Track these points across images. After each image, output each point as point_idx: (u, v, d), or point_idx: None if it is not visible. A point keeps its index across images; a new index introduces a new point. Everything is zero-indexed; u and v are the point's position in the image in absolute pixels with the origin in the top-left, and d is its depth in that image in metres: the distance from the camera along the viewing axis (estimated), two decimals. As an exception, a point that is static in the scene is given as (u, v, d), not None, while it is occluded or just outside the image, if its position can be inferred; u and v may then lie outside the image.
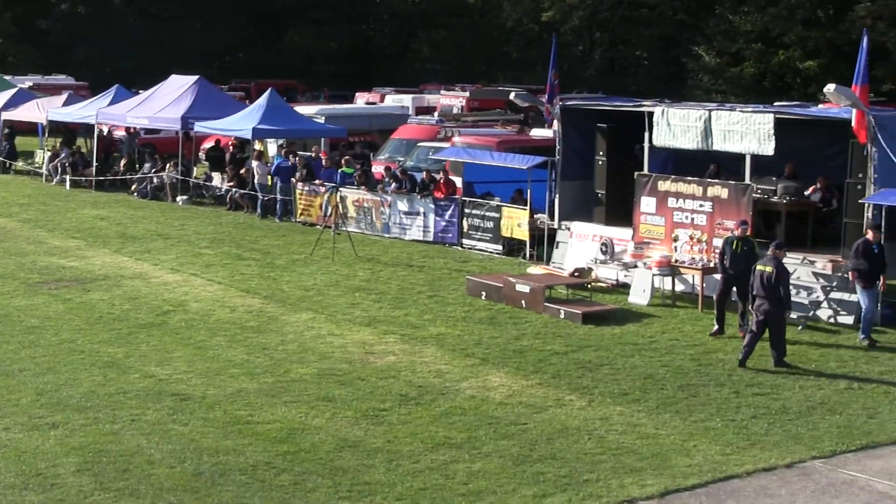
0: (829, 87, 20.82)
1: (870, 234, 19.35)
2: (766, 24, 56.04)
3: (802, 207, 23.06)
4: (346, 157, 33.29)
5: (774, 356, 18.02)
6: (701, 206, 22.99)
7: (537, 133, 33.70)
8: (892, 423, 15.18)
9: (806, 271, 21.15)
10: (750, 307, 18.62)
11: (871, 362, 18.24)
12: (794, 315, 19.34)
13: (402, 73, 66.64)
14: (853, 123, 20.68)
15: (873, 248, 19.17)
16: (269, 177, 33.09)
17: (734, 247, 19.84)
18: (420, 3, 76.05)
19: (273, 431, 14.71)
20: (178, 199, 35.38)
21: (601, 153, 25.50)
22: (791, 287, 18.49)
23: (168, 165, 36.67)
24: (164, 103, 37.42)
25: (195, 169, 38.29)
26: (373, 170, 33.76)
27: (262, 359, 18.11)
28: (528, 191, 27.08)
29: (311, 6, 71.97)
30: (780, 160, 23.26)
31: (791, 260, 20.55)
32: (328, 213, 29.07)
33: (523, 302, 21.81)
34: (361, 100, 52.21)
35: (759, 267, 18.28)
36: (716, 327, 19.92)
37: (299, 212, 32.09)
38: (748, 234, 20.22)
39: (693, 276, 22.67)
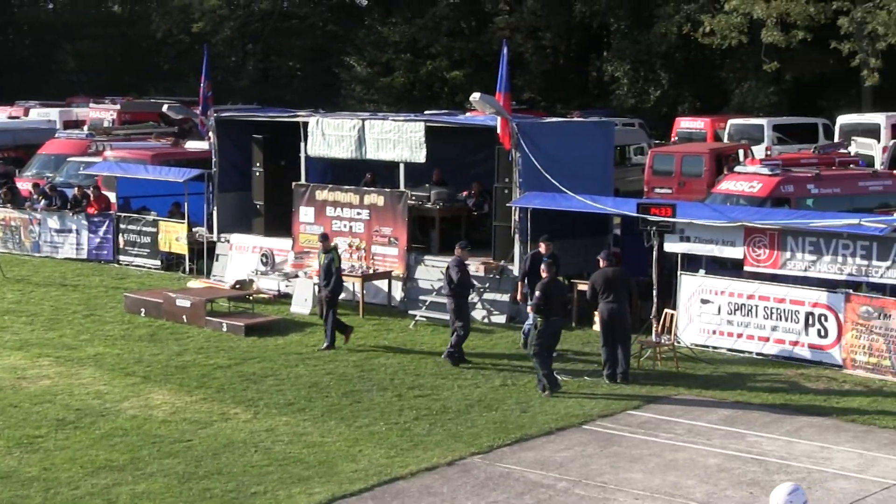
0: (475, 96, 21.58)
1: (542, 247, 19.46)
2: (413, 36, 57.63)
3: (455, 212, 23.84)
4: (-19, 176, 31.69)
5: (449, 349, 18.62)
6: (358, 213, 23.37)
7: (193, 145, 33.25)
8: (542, 416, 15.94)
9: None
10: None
11: (523, 359, 19.03)
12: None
13: (47, 86, 63.74)
14: (498, 130, 21.56)
15: (544, 260, 19.51)
16: None
17: (321, 261, 20.05)
18: (62, 14, 73.11)
19: (-83, 468, 13.77)
20: None
21: (258, 164, 25.46)
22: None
23: None
24: None
25: None
26: (19, 186, 32.26)
27: None
28: (186, 204, 26.69)
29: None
30: (433, 167, 23.97)
31: (442, 263, 21.22)
32: (-29, 234, 27.56)
33: (184, 317, 21.48)
34: (3, 114, 49.61)
35: (447, 269, 18.94)
36: (326, 342, 19.81)
37: (-62, 233, 30.24)
38: (330, 245, 20.23)
39: (353, 284, 22.93)
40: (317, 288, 19.76)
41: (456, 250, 19.28)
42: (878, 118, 36.76)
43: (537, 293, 17.21)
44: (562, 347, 19.06)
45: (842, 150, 30.03)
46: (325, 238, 20.45)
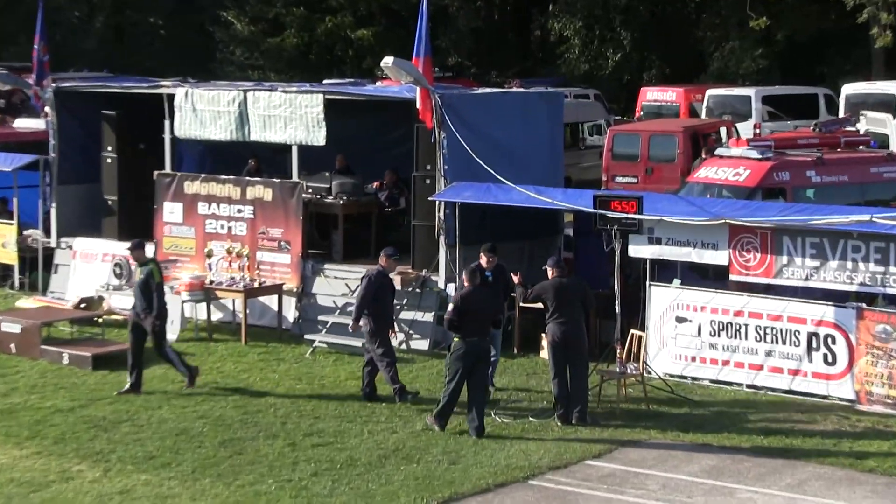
0: (387, 61, 21.55)
1: (483, 260, 19.06)
2: (309, -16, 57.50)
3: (363, 208, 23.76)
4: None
5: (395, 388, 18.72)
6: (240, 211, 23.27)
7: (23, 124, 33.10)
8: (477, 469, 15.83)
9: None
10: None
11: (452, 395, 18.96)
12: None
13: None
14: (417, 104, 21.45)
15: (486, 276, 18.90)
16: None
17: (135, 277, 19.71)
18: None
19: None
20: None
21: (110, 148, 25.30)
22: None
23: None
24: None
25: None
26: None
27: None
28: (14, 200, 26.45)
29: None
30: (335, 152, 23.89)
31: (347, 274, 21.12)
32: None
33: (13, 346, 21.37)
34: None
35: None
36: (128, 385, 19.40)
37: None
38: (145, 256, 19.77)
39: (234, 301, 22.79)
40: (133, 314, 19.38)
41: (381, 258, 19.15)
42: (893, 87, 37.21)
43: (450, 306, 17.15)
44: (499, 382, 18.99)
45: (849, 128, 30.34)
46: (138, 246, 19.83)
